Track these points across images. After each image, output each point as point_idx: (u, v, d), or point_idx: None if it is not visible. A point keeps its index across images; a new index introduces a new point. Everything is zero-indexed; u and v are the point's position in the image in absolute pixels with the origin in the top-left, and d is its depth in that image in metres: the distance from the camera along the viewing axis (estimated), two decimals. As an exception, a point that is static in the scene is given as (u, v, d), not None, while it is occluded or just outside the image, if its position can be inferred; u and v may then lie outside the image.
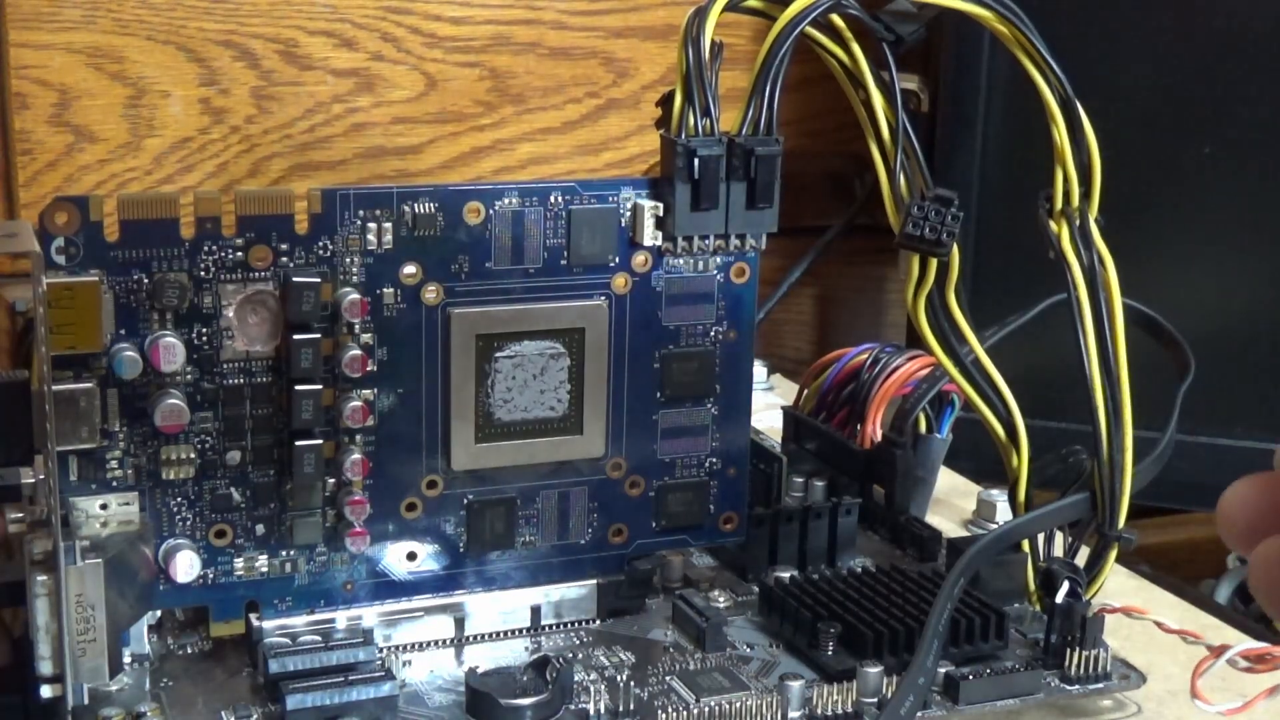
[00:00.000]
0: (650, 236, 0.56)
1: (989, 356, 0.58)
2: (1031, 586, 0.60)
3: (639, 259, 0.57)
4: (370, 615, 0.57)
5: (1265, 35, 0.82)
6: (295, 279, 0.52)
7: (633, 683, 0.55)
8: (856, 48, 0.56)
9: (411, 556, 0.57)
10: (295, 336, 0.53)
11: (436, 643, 0.58)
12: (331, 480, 0.55)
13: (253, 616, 0.55)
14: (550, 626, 0.59)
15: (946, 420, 0.69)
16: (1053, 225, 0.56)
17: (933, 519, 0.70)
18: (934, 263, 0.56)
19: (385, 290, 0.54)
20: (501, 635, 0.58)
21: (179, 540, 0.54)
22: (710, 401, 0.60)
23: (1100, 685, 0.56)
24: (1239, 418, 0.84)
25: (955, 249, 0.56)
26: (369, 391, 0.55)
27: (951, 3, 0.56)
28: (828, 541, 0.65)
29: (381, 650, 0.56)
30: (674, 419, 0.59)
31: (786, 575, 0.61)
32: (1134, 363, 0.56)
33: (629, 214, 0.57)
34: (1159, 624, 0.56)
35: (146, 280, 0.51)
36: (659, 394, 0.59)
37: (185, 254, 0.52)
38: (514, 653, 0.57)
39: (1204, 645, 0.54)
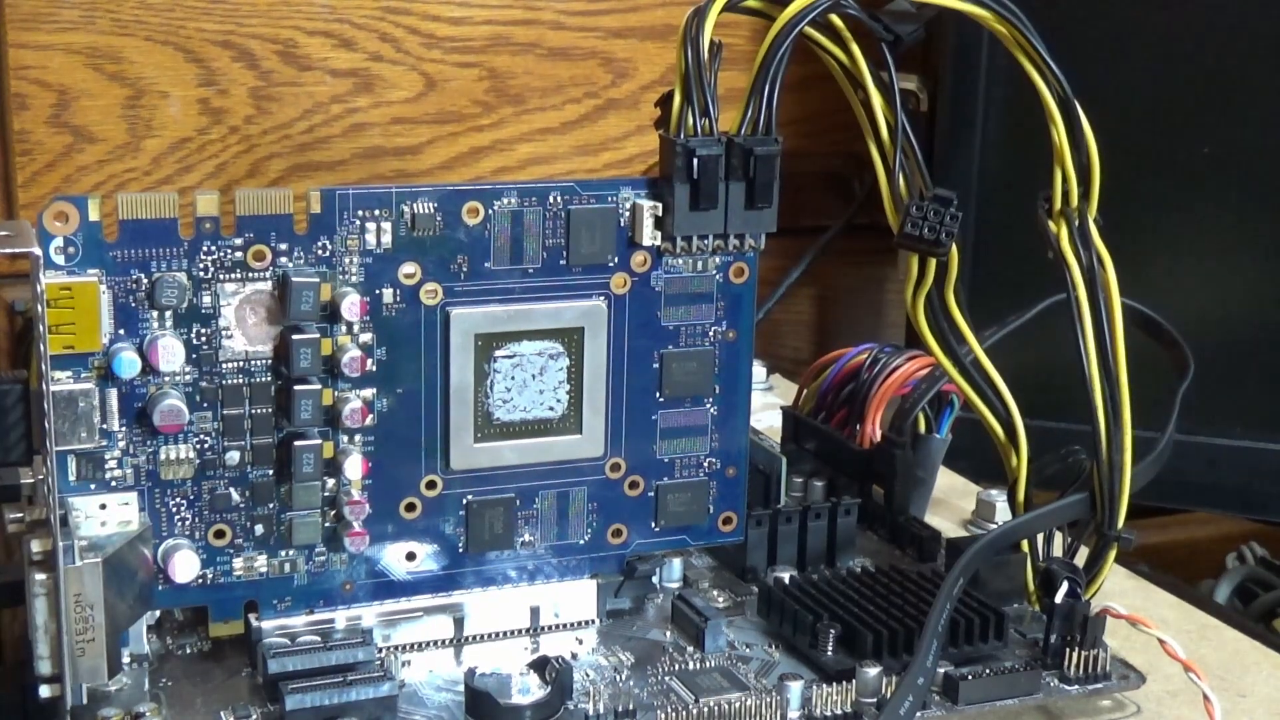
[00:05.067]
0: (649, 236, 0.56)
1: (989, 356, 0.58)
2: (1031, 586, 0.60)
3: (638, 259, 0.57)
4: (369, 615, 0.56)
5: (1265, 35, 0.82)
6: (294, 279, 0.52)
7: (633, 683, 0.55)
8: (855, 48, 0.56)
9: (411, 556, 0.57)
10: (295, 336, 0.53)
11: (435, 643, 0.58)
12: (331, 480, 0.55)
13: (252, 616, 0.55)
14: (550, 626, 0.59)
15: (946, 420, 0.69)
16: (1052, 225, 0.56)
17: (932, 519, 0.70)
18: (933, 263, 0.56)
19: (384, 290, 0.54)
20: (501, 635, 0.58)
21: (178, 540, 0.54)
22: (709, 401, 0.59)
23: (1100, 685, 0.56)
24: (1239, 418, 0.84)
25: (954, 249, 0.56)
26: (369, 391, 0.55)
27: (951, 3, 0.55)
28: (827, 541, 0.65)
29: (381, 650, 0.56)
30: (673, 419, 0.59)
31: (786, 575, 0.61)
32: (1134, 363, 0.56)
33: (628, 214, 0.57)
34: (1162, 641, 0.55)
35: (145, 280, 0.51)
36: (658, 394, 0.59)
37: (184, 254, 0.52)
38: (514, 653, 0.57)
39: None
